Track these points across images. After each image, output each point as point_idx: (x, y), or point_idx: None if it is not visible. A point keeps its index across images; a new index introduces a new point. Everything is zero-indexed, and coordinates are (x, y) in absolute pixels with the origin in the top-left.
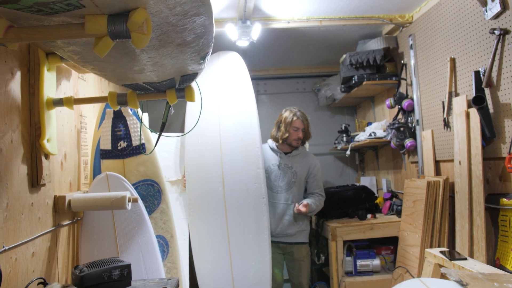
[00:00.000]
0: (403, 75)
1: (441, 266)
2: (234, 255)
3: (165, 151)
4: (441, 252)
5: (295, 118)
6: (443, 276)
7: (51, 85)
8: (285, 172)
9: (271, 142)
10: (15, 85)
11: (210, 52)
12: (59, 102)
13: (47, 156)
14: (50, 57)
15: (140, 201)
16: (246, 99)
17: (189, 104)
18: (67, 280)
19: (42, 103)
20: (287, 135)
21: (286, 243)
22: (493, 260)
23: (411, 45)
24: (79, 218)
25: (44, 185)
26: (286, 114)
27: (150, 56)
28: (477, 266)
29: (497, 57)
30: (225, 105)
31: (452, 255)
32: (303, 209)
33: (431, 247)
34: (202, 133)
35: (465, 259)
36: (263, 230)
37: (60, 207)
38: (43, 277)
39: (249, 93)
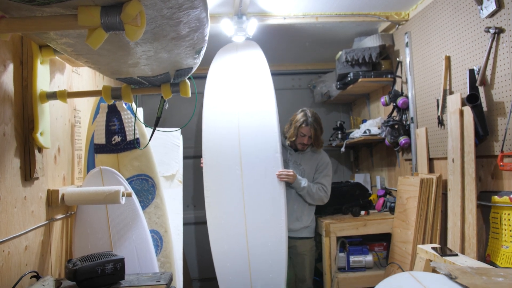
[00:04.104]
0: (398, 73)
1: (432, 261)
2: (251, 236)
3: (160, 146)
4: (433, 248)
5: (304, 125)
6: (433, 270)
7: (44, 78)
8: (293, 169)
9: (282, 138)
10: (8, 78)
11: (205, 46)
12: (52, 96)
13: (40, 149)
14: (43, 50)
15: (134, 196)
16: (264, 84)
17: (207, 97)
18: (61, 274)
19: (35, 96)
20: (294, 138)
21: (290, 238)
22: (483, 256)
23: (407, 43)
24: (72, 212)
25: (37, 178)
26: (298, 117)
27: (145, 50)
28: (467, 262)
29: (491, 55)
30: (243, 90)
31: (443, 251)
32: (284, 173)
33: (423, 243)
34: (220, 117)
35: (456, 255)
36: (280, 213)
37: (54, 201)
38: (36, 271)
39: (267, 78)
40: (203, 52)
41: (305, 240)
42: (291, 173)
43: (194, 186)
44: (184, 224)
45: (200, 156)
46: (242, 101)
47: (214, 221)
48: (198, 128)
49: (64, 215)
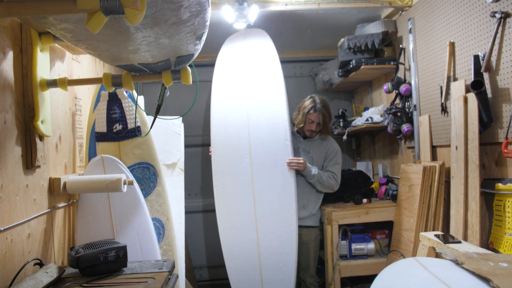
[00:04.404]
0: (401, 60)
1: (435, 249)
2: (261, 226)
3: (161, 134)
4: (436, 235)
5: (312, 111)
6: (438, 256)
7: (45, 66)
8: (302, 156)
9: (290, 125)
10: (7, 66)
11: (206, 32)
12: (52, 83)
13: (41, 137)
14: (43, 37)
15: (135, 184)
16: (273, 71)
17: (215, 85)
18: (64, 261)
19: (36, 84)
20: (302, 124)
21: None
22: (486, 244)
23: (410, 29)
24: (74, 201)
25: (39, 166)
26: (307, 103)
27: (145, 35)
28: (471, 249)
29: (497, 41)
30: (252, 79)
31: (446, 238)
32: (294, 160)
33: (425, 231)
34: (229, 105)
35: (459, 242)
36: (290, 200)
37: (56, 189)
38: (39, 258)
39: (276, 65)
40: (204, 38)
41: (310, 229)
42: (301, 161)
43: (203, 175)
44: (187, 212)
45: (208, 145)
46: (251, 89)
47: (223, 210)
48: (206, 116)
49: (66, 203)
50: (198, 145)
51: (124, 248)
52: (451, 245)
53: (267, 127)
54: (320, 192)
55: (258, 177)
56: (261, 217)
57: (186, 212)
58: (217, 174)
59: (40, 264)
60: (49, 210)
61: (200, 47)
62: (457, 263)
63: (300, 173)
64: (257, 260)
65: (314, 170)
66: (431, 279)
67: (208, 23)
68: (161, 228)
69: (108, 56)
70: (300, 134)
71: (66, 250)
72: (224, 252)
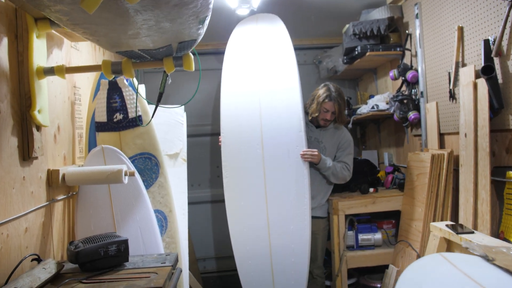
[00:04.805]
0: (407, 46)
1: (446, 240)
2: (272, 220)
3: (163, 123)
4: (447, 225)
5: (327, 100)
6: (463, 250)
7: (41, 53)
8: (314, 146)
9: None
10: (2, 53)
11: (209, 16)
12: (50, 71)
13: (38, 128)
14: (39, 23)
15: (137, 175)
16: (287, 59)
17: (225, 72)
18: (63, 256)
19: (32, 72)
20: (317, 114)
21: None
22: (497, 233)
23: (417, 14)
24: (74, 193)
25: (36, 158)
26: (321, 92)
27: (145, 18)
28: (484, 239)
29: (508, 24)
30: (265, 66)
31: (458, 228)
32: (308, 152)
33: (434, 221)
34: (240, 93)
35: (472, 232)
36: (304, 194)
37: (54, 181)
38: (37, 254)
39: (290, 53)
40: (207, 22)
41: (319, 220)
42: (316, 153)
43: (211, 165)
44: (195, 202)
45: (217, 134)
46: (263, 77)
47: (232, 202)
48: (216, 105)
49: (65, 196)
50: (207, 135)
51: (125, 242)
52: (464, 236)
53: (280, 117)
54: (331, 183)
55: (270, 169)
56: (273, 210)
57: (194, 203)
58: (227, 165)
59: (38, 260)
60: (47, 203)
61: (203, 31)
62: (487, 259)
63: (314, 165)
64: (269, 256)
65: (329, 163)
66: (461, 277)
67: (211, 6)
68: (163, 221)
69: (107, 41)
70: (313, 123)
71: (65, 244)
72: (234, 245)
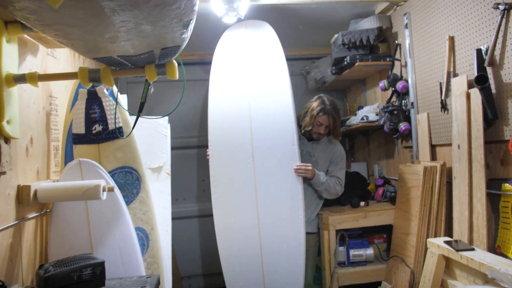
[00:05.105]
0: (397, 56)
1: (445, 257)
2: (265, 239)
3: (146, 135)
4: (445, 242)
5: (321, 113)
6: (463, 268)
7: (12, 59)
8: (305, 160)
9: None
10: None
11: (194, 20)
12: (21, 79)
13: (7, 140)
14: (9, 27)
15: (117, 190)
16: (278, 69)
17: (213, 82)
18: (33, 280)
19: (0, 79)
20: (310, 127)
21: None
22: (493, 248)
23: (406, 24)
24: (48, 210)
25: (4, 173)
26: (315, 105)
27: (123, 20)
28: (487, 257)
29: (500, 33)
30: (255, 76)
31: (457, 245)
32: (302, 167)
33: (427, 235)
34: (228, 104)
35: (472, 249)
36: (298, 210)
37: (25, 198)
38: (2, 280)
39: (282, 63)
40: (191, 26)
41: (309, 236)
42: (310, 167)
43: (198, 178)
44: (181, 217)
45: (205, 146)
46: (253, 87)
47: (221, 220)
48: (203, 116)
49: (38, 214)
50: (193, 147)
51: (101, 265)
52: (464, 253)
53: (272, 129)
54: (321, 197)
55: (262, 184)
56: (265, 229)
57: (179, 218)
58: (215, 180)
59: (3, 287)
60: (16, 222)
61: (187, 36)
62: None
63: (308, 180)
64: (261, 278)
65: (323, 178)
66: None
67: (196, 8)
68: (145, 239)
69: (83, 45)
70: (306, 136)
71: (37, 267)
72: (223, 265)
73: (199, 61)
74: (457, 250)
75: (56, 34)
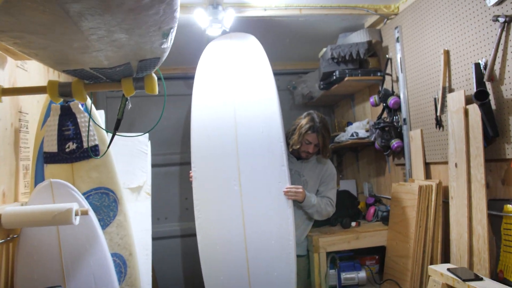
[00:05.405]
0: (387, 71)
1: (449, 286)
2: (253, 268)
3: (124, 153)
4: (449, 270)
5: (310, 132)
6: None
7: None
8: (294, 180)
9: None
10: None
11: (175, 28)
12: None
13: None
14: None
15: (91, 214)
16: (266, 86)
17: (196, 98)
18: None
19: None
20: (298, 146)
21: None
22: (495, 273)
23: (398, 38)
24: (15, 236)
25: None
26: (304, 122)
27: (93, 26)
28: None
29: (500, 47)
30: (241, 93)
31: (463, 273)
32: (292, 189)
33: (423, 257)
34: (213, 124)
35: (481, 279)
36: (288, 237)
37: None
38: None
39: (269, 79)
40: (172, 36)
41: (298, 259)
42: (300, 190)
43: (181, 196)
44: (164, 237)
45: (187, 163)
46: (240, 103)
47: (206, 247)
48: (185, 132)
49: (3, 240)
50: (175, 164)
51: None
52: (472, 284)
53: (259, 150)
54: (311, 219)
55: (250, 208)
56: (254, 257)
57: (161, 238)
58: (199, 204)
59: None
60: None
61: (167, 47)
62: None
63: (298, 203)
64: None
65: (314, 200)
66: None
67: (177, 15)
68: (122, 266)
69: (49, 56)
70: (294, 154)
71: None
72: None
73: (182, 76)
74: (464, 280)
75: (15, 42)
